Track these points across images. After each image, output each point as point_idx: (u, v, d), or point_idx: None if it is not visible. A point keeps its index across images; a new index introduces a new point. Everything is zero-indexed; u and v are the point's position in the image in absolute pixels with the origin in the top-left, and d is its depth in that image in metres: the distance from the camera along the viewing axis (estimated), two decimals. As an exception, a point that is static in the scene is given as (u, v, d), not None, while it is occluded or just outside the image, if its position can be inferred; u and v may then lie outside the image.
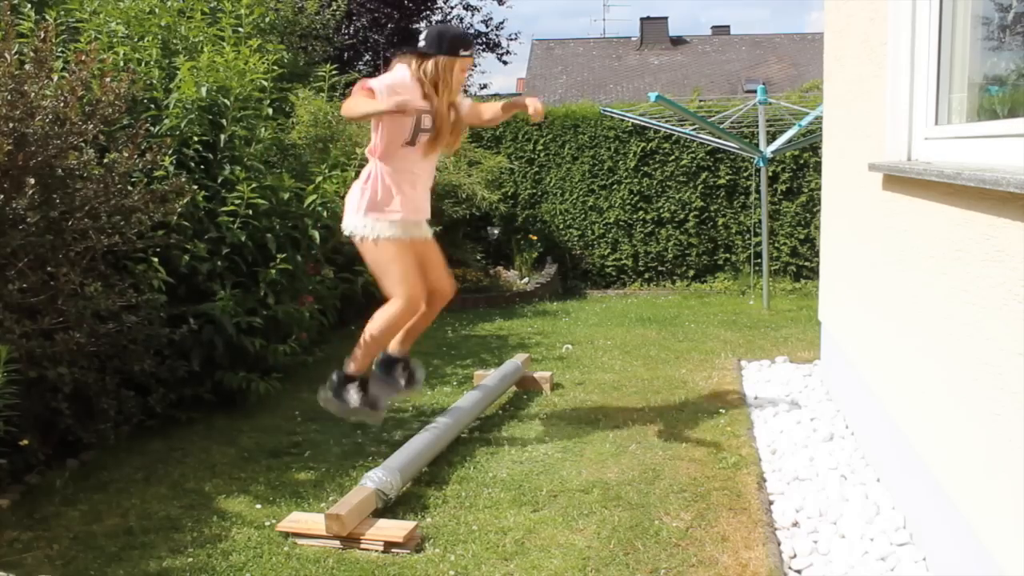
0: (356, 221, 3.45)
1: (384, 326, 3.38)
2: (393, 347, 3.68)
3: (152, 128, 4.23)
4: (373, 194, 3.43)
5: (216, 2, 5.41)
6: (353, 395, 3.40)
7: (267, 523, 2.94)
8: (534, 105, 3.42)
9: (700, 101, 9.62)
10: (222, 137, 4.48)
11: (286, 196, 4.69)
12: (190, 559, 2.68)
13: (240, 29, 5.20)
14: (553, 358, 5.33)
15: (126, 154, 3.44)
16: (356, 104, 3.21)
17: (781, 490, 3.09)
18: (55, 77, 3.37)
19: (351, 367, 3.43)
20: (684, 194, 8.53)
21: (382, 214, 3.41)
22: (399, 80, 3.40)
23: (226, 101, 4.50)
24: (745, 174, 8.40)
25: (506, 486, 3.19)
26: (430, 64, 3.38)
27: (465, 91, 3.68)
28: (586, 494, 3.09)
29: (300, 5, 7.15)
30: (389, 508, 2.98)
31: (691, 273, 8.66)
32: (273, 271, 4.37)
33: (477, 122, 3.71)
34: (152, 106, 4.35)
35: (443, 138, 3.51)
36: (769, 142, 7.09)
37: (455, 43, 3.42)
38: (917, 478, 2.60)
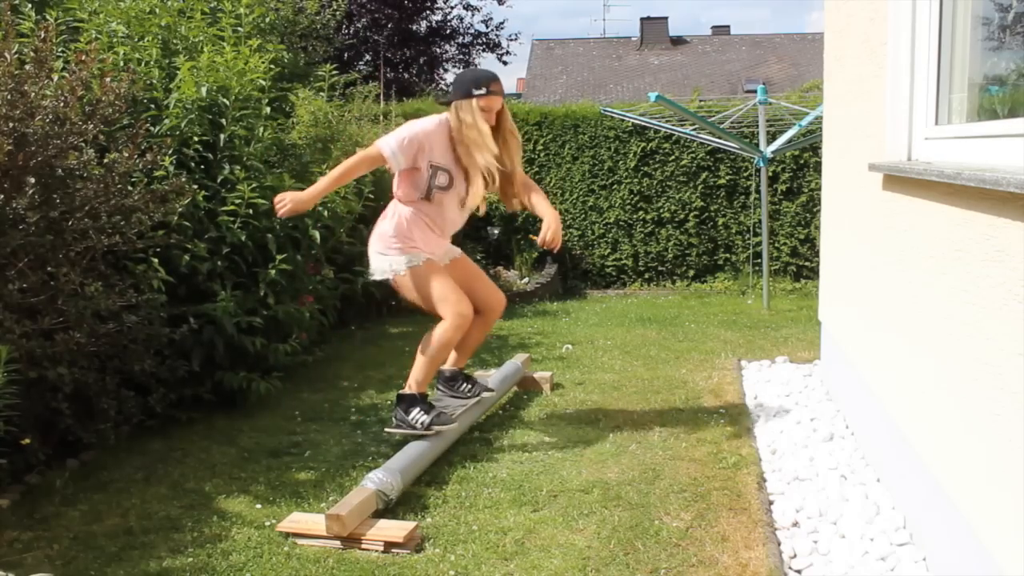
0: (379, 264, 3.54)
1: (438, 345, 3.44)
2: (450, 363, 3.77)
3: (152, 128, 4.23)
4: (386, 232, 3.50)
5: (216, 2, 5.41)
6: (423, 417, 3.43)
7: (267, 523, 2.94)
8: (546, 231, 3.51)
9: (700, 101, 9.63)
10: (222, 137, 4.48)
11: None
12: (190, 559, 2.68)
13: (240, 29, 5.20)
14: (553, 358, 5.33)
15: (126, 154, 3.44)
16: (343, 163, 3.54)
17: (781, 490, 3.09)
18: (55, 77, 3.37)
19: (412, 389, 3.48)
20: (684, 194, 8.53)
21: (400, 250, 3.46)
22: (414, 131, 3.43)
23: (226, 101, 4.51)
24: (745, 174, 8.40)
25: (506, 486, 3.19)
26: (453, 113, 3.41)
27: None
28: (586, 494, 3.09)
29: (300, 5, 7.15)
30: (389, 508, 2.98)
31: (691, 273, 8.66)
32: (273, 271, 4.37)
33: (517, 196, 3.69)
34: (152, 106, 4.35)
35: (471, 197, 3.47)
36: (769, 142, 7.09)
37: (466, 84, 3.41)
38: (917, 478, 2.60)
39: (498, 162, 3.42)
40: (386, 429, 3.57)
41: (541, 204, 3.63)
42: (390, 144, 3.43)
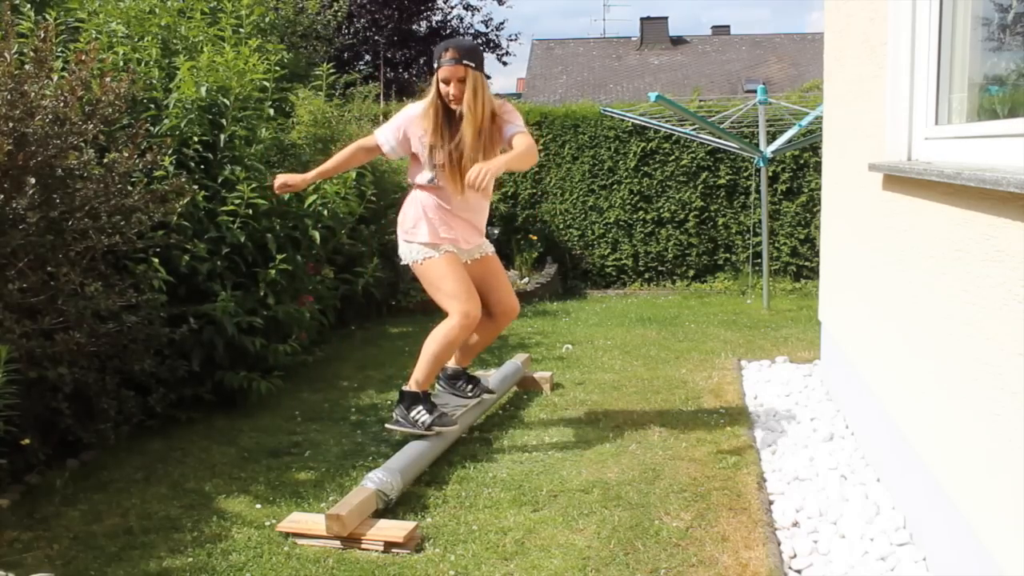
0: (403, 250, 3.55)
1: (442, 343, 3.40)
2: (453, 361, 3.76)
3: (152, 128, 4.23)
4: (406, 220, 3.51)
5: (216, 2, 5.41)
6: (424, 417, 3.42)
7: (267, 523, 2.94)
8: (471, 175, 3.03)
9: (700, 101, 9.62)
10: (222, 137, 4.48)
11: (286, 196, 4.70)
12: (190, 559, 2.68)
13: (240, 29, 5.20)
14: (553, 358, 5.33)
15: (126, 154, 3.44)
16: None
17: (781, 490, 3.09)
18: (55, 77, 3.37)
19: (414, 387, 3.47)
20: (684, 194, 8.53)
21: (418, 238, 3.45)
22: (400, 117, 3.47)
23: (226, 101, 4.51)
24: (745, 174, 8.40)
25: (506, 486, 3.19)
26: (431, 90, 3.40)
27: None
28: (586, 494, 3.09)
29: (301, 5, 7.15)
30: (389, 508, 2.98)
31: (691, 273, 8.66)
32: (273, 271, 4.37)
33: None
34: (152, 106, 4.35)
35: (456, 174, 3.31)
36: (769, 142, 7.09)
37: (434, 58, 3.39)
38: (917, 478, 2.60)
39: (441, 143, 3.33)
40: (386, 426, 3.56)
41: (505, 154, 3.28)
42: (385, 133, 3.49)
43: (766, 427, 3.78)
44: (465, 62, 3.27)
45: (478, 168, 3.00)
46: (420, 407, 3.43)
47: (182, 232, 4.03)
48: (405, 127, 3.44)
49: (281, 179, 3.58)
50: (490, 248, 3.75)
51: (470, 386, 3.78)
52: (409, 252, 3.51)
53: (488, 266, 3.70)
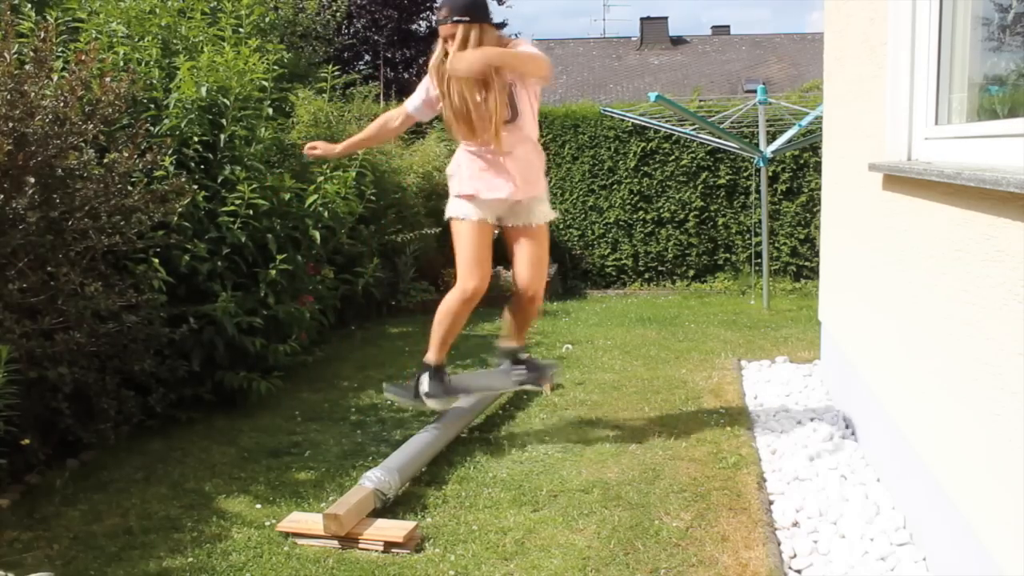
0: (448, 203, 3.53)
1: (443, 313, 3.44)
2: (506, 341, 3.74)
3: (152, 128, 4.23)
4: (450, 176, 3.52)
5: (216, 2, 5.41)
6: (424, 385, 3.46)
7: (267, 523, 2.94)
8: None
9: (700, 101, 9.62)
10: (222, 137, 4.48)
11: (287, 196, 4.70)
12: (190, 559, 2.68)
13: (240, 29, 5.20)
14: (553, 358, 5.33)
15: (126, 154, 3.44)
16: None
17: (781, 490, 3.09)
18: (55, 77, 3.37)
19: (428, 359, 3.51)
20: (684, 194, 8.53)
21: (457, 193, 3.46)
22: (425, 80, 3.51)
23: (226, 101, 4.50)
24: (745, 174, 8.40)
25: (506, 486, 3.19)
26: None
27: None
28: (586, 494, 3.09)
29: (300, 5, 7.15)
30: (388, 508, 2.98)
31: (691, 273, 8.66)
32: (273, 271, 4.37)
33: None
34: (152, 106, 4.35)
35: (460, 122, 3.33)
36: (769, 142, 7.08)
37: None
38: (917, 478, 2.60)
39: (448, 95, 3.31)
40: (384, 385, 3.63)
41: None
42: (413, 96, 3.56)
43: (766, 427, 3.78)
44: (455, 18, 3.21)
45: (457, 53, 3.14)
46: (425, 375, 3.48)
47: (182, 232, 4.03)
48: (428, 84, 3.48)
49: (313, 144, 3.69)
50: (542, 219, 3.53)
51: (517, 367, 3.67)
52: (448, 207, 3.50)
53: (528, 235, 3.51)
